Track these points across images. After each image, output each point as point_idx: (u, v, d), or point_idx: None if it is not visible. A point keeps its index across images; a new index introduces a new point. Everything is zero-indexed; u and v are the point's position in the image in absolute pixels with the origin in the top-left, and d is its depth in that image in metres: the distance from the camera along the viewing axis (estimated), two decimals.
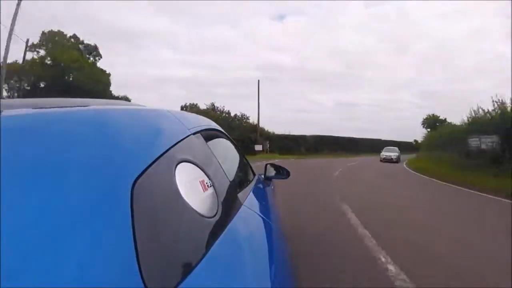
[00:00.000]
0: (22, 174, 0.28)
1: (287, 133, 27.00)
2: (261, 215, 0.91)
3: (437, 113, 40.36)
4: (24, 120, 0.36)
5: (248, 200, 0.88)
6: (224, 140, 1.20)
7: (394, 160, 18.85)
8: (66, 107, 0.53)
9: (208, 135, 0.85)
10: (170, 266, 0.35)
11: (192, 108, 26.64)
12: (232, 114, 24.34)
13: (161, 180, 0.43)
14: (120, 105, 0.67)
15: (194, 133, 0.68)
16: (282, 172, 2.13)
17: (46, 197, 0.28)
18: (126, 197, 0.34)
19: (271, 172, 2.10)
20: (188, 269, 0.37)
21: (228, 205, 0.64)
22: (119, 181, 0.36)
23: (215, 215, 0.52)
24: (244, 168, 1.44)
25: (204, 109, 23.00)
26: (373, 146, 32.38)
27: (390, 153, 19.78)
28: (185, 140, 0.60)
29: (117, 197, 0.34)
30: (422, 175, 11.31)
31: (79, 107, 0.53)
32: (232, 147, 1.38)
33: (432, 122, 39.79)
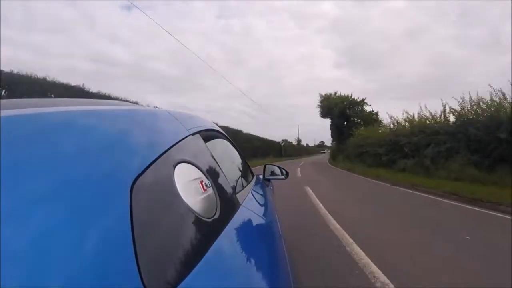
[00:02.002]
0: (21, 173, 0.28)
1: None
2: (260, 215, 0.91)
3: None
4: (23, 120, 0.36)
5: (247, 201, 0.88)
6: (223, 140, 1.20)
7: None
8: (65, 107, 0.53)
9: (207, 135, 0.85)
10: (169, 266, 0.35)
11: None
12: None
13: (160, 181, 0.43)
14: (119, 105, 0.67)
15: (193, 134, 0.68)
16: (281, 173, 2.13)
17: (45, 197, 0.28)
18: (125, 198, 0.34)
19: (270, 173, 2.11)
20: (187, 269, 0.37)
21: (227, 205, 0.64)
22: (118, 182, 0.35)
23: (214, 216, 0.52)
24: (243, 168, 1.44)
25: None
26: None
27: None
28: (184, 140, 0.60)
29: (116, 198, 0.34)
30: None
31: (78, 107, 0.52)
32: (231, 147, 1.38)
33: (340, 105, 22.57)
